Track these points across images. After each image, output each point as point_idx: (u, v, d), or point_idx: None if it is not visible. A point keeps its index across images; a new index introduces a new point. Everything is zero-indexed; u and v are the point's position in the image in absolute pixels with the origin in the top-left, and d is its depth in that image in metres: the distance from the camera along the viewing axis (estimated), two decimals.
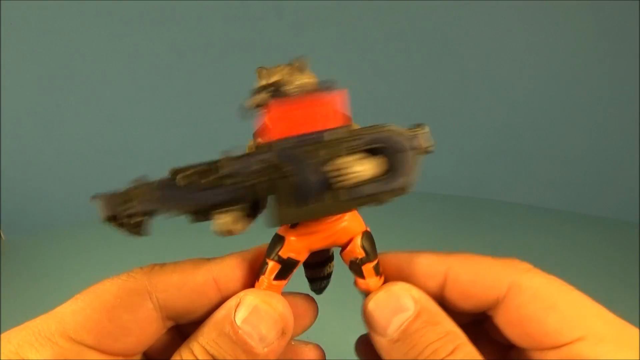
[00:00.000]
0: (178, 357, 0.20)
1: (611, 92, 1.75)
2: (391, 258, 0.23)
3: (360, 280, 0.23)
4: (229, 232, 0.21)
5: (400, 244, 1.70)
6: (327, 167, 0.21)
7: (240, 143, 0.23)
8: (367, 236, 0.23)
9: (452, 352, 0.19)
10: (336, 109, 0.22)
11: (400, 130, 0.22)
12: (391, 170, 0.21)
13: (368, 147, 0.21)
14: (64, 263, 1.68)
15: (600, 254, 1.56)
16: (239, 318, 0.20)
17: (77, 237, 1.91)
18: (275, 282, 0.22)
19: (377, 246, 0.23)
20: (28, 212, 1.99)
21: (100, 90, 1.92)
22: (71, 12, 1.75)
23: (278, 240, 0.22)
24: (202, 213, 0.22)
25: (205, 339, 0.20)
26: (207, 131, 2.11)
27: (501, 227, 1.82)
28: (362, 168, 0.21)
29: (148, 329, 0.20)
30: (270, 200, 0.21)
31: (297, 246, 0.22)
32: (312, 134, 0.21)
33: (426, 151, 0.22)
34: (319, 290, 0.26)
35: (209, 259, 0.22)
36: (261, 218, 0.22)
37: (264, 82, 0.21)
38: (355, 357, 0.25)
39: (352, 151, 0.21)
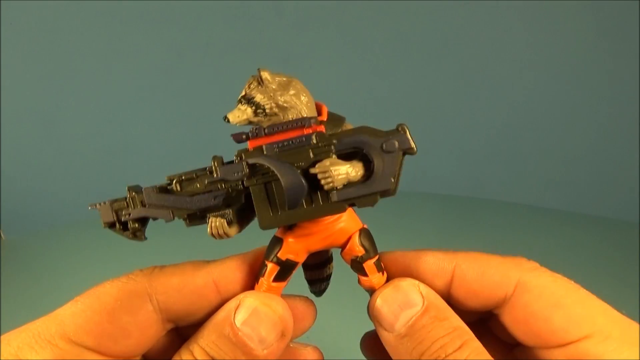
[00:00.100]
0: (178, 359, 0.20)
1: (611, 92, 1.75)
2: (398, 256, 0.23)
3: (363, 278, 0.23)
4: (224, 235, 0.22)
5: (401, 244, 1.69)
6: (316, 170, 0.21)
7: (240, 143, 0.23)
8: (365, 233, 0.23)
9: (459, 348, 0.19)
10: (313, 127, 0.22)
11: (375, 133, 0.22)
12: (372, 172, 0.22)
13: (349, 150, 0.22)
14: (64, 263, 1.67)
15: (600, 254, 1.56)
16: (239, 320, 0.20)
17: (77, 237, 1.91)
18: (274, 284, 0.22)
19: (378, 245, 0.23)
20: (28, 212, 1.99)
21: (100, 90, 1.92)
22: (71, 12, 1.75)
23: (276, 242, 0.22)
24: (197, 217, 0.22)
25: (205, 341, 0.20)
26: (207, 131, 2.11)
27: (501, 227, 1.82)
28: (347, 170, 0.21)
29: (148, 331, 0.20)
30: (262, 203, 0.21)
31: (295, 248, 0.22)
32: (296, 138, 0.21)
33: (406, 152, 0.22)
34: (318, 292, 0.26)
35: (208, 262, 0.22)
36: (255, 222, 0.23)
37: (238, 97, 0.23)
38: (356, 357, 0.25)
39: (335, 154, 0.21)
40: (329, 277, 0.26)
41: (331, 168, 0.21)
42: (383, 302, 0.21)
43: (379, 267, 0.23)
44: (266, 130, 0.22)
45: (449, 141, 2.06)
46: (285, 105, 0.22)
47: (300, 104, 0.22)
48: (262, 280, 0.22)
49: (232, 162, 0.22)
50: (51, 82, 1.86)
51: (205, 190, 0.22)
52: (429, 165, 2.01)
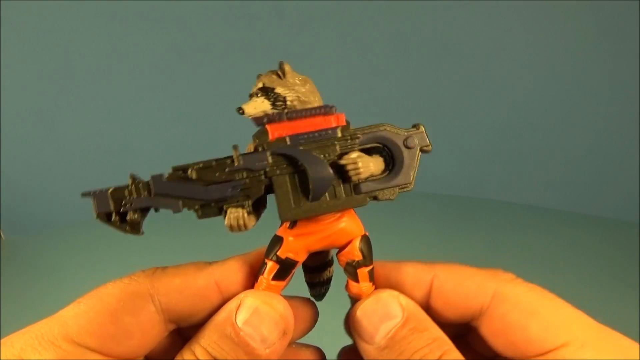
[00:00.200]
0: (180, 359, 0.20)
1: (611, 92, 1.75)
2: (378, 267, 0.23)
3: (353, 284, 0.23)
4: (242, 227, 0.21)
5: (401, 243, 1.71)
6: (344, 161, 0.21)
7: (240, 143, 0.23)
8: (366, 240, 0.23)
9: (438, 359, 0.19)
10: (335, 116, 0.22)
11: (396, 130, 0.23)
12: (393, 167, 0.22)
13: (367, 146, 0.22)
14: (64, 263, 1.68)
15: (600, 254, 1.56)
16: (240, 320, 0.20)
17: (77, 237, 1.91)
18: (273, 282, 0.22)
19: (378, 245, 0.23)
20: (28, 212, 1.99)
21: (100, 90, 1.92)
22: (71, 12, 1.75)
23: (277, 240, 0.22)
24: (211, 208, 0.21)
25: (206, 341, 0.20)
26: (207, 131, 2.11)
27: (501, 227, 1.82)
28: (372, 164, 0.22)
29: (150, 332, 0.20)
30: (284, 194, 0.22)
31: (295, 246, 0.22)
32: (322, 131, 0.22)
33: (422, 150, 0.23)
34: (319, 295, 0.26)
35: (210, 263, 0.22)
36: (267, 215, 0.22)
37: (253, 89, 0.22)
38: None
39: (358, 148, 0.22)
40: (329, 280, 0.26)
41: (358, 160, 0.21)
42: (363, 314, 0.21)
43: (371, 277, 0.23)
44: (287, 115, 0.22)
45: (449, 141, 2.06)
46: (305, 99, 0.22)
47: (315, 102, 0.23)
48: (261, 278, 0.22)
49: (254, 152, 0.22)
50: (51, 82, 1.86)
51: (223, 179, 0.21)
52: (429, 165, 2.00)
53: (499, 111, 1.96)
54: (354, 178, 0.21)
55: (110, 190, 0.22)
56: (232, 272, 0.22)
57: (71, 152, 1.98)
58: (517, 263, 1.49)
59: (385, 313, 0.21)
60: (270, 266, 0.22)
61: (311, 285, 0.26)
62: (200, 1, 1.81)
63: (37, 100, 1.87)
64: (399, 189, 0.22)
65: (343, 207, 0.22)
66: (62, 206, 2.05)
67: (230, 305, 0.21)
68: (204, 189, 0.21)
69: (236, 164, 0.21)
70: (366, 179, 0.22)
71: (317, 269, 0.26)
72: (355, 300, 0.23)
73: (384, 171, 0.22)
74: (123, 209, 0.21)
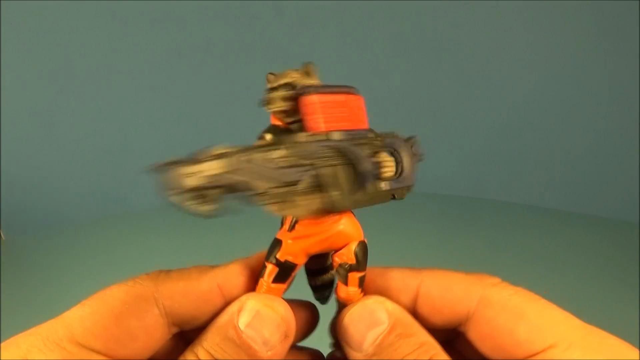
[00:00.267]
0: None
1: (611, 92, 1.75)
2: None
3: (341, 287, 0.23)
4: (314, 214, 0.21)
5: (401, 243, 1.71)
6: (379, 159, 0.23)
7: (239, 142, 0.23)
8: (362, 246, 0.23)
9: None
10: (365, 111, 0.24)
11: (404, 138, 0.24)
12: (402, 170, 0.24)
13: (385, 150, 0.24)
14: (64, 263, 1.68)
15: (600, 254, 1.56)
16: (242, 322, 0.20)
17: (77, 237, 1.91)
18: (274, 285, 0.22)
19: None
20: (28, 212, 1.99)
21: (99, 90, 1.92)
22: (71, 12, 1.75)
23: (276, 243, 0.22)
24: (283, 193, 0.21)
25: (209, 344, 0.20)
26: (207, 131, 2.11)
27: (501, 227, 1.83)
28: (392, 165, 0.23)
29: (154, 334, 0.20)
30: (333, 185, 0.22)
31: (293, 249, 0.22)
32: (359, 131, 0.23)
33: (419, 159, 0.25)
34: (323, 299, 0.26)
35: (213, 266, 0.22)
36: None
37: (275, 84, 0.22)
38: None
39: (383, 150, 0.24)
40: (331, 283, 0.26)
41: (388, 160, 0.23)
42: (350, 321, 0.21)
43: (361, 284, 0.23)
44: (320, 89, 0.22)
45: (449, 141, 2.06)
46: None
47: None
48: (262, 281, 0.22)
49: (310, 141, 0.22)
50: (51, 82, 1.86)
51: (292, 164, 0.21)
52: (429, 165, 2.00)
53: (499, 111, 1.96)
54: (384, 175, 0.23)
55: (193, 161, 0.19)
56: (235, 275, 0.22)
57: (71, 152, 1.98)
58: (517, 263, 1.49)
59: (371, 320, 0.21)
60: (270, 269, 0.22)
61: (314, 288, 0.26)
62: (200, 1, 1.81)
63: (37, 100, 1.87)
64: (407, 189, 0.24)
65: (374, 202, 0.23)
66: (63, 206, 2.05)
67: (232, 308, 0.21)
68: (277, 172, 0.21)
69: (303, 150, 0.21)
70: (388, 178, 0.23)
71: (319, 272, 0.26)
72: (341, 304, 0.23)
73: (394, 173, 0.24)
74: (209, 184, 0.19)
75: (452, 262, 1.50)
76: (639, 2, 1.57)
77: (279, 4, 1.87)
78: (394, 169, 0.24)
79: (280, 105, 0.22)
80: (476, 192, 2.08)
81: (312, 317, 0.24)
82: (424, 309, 0.22)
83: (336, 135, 0.22)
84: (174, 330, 0.21)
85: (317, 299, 0.26)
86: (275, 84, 0.22)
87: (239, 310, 0.20)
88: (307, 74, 0.23)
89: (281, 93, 0.22)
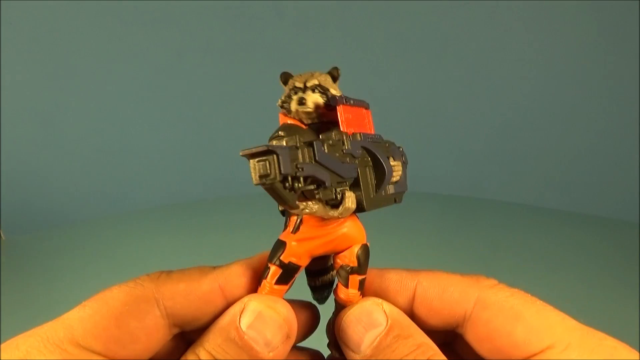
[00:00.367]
0: None
1: (611, 92, 1.75)
2: None
3: (342, 288, 0.23)
4: (351, 210, 0.22)
5: (401, 243, 1.71)
6: (393, 163, 0.24)
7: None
8: (365, 249, 0.23)
9: None
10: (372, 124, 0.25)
11: (397, 146, 0.26)
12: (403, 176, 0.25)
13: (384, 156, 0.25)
14: (64, 263, 1.68)
15: (600, 254, 1.56)
16: (244, 324, 0.20)
17: (77, 237, 1.91)
18: (276, 287, 0.22)
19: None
20: (28, 212, 1.99)
21: (100, 90, 1.92)
22: (71, 13, 1.75)
23: (280, 245, 0.22)
24: (328, 189, 0.21)
25: (211, 345, 0.20)
26: (207, 130, 2.11)
27: (501, 227, 1.83)
28: (400, 170, 0.25)
29: (155, 335, 0.20)
30: (367, 185, 0.23)
31: (298, 251, 0.22)
32: (377, 135, 0.24)
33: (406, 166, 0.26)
34: (321, 299, 0.26)
35: (214, 267, 0.22)
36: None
37: (306, 83, 0.23)
38: None
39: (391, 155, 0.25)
40: (331, 284, 0.26)
41: (395, 164, 0.24)
42: (348, 323, 0.22)
43: (361, 286, 0.23)
44: (352, 102, 0.23)
45: (449, 141, 2.06)
46: None
47: None
48: (264, 282, 0.22)
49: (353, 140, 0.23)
50: (51, 82, 1.86)
51: (342, 159, 0.21)
52: (429, 166, 2.01)
53: (499, 111, 1.96)
54: (394, 179, 0.24)
55: (290, 148, 0.18)
56: (236, 276, 0.22)
57: (71, 152, 1.98)
58: (517, 263, 1.49)
59: (369, 321, 0.21)
60: (274, 270, 0.22)
61: (314, 288, 0.26)
62: (200, 1, 1.81)
63: (37, 100, 1.87)
64: (403, 194, 0.25)
65: (383, 204, 0.23)
66: (63, 206, 2.05)
67: (234, 309, 0.21)
68: (343, 167, 0.21)
69: (347, 148, 0.21)
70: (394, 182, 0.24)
71: (319, 272, 0.26)
72: (340, 305, 0.23)
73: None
74: (299, 173, 0.18)
75: (452, 262, 1.50)
76: (639, 2, 1.57)
77: (279, 4, 1.87)
78: (400, 173, 0.24)
79: (311, 107, 0.22)
80: (476, 192, 2.08)
81: (313, 318, 0.24)
82: (421, 310, 0.22)
83: (359, 137, 0.23)
84: (175, 331, 0.21)
85: (315, 299, 0.26)
86: (303, 84, 0.23)
87: (241, 311, 0.20)
88: (334, 78, 0.23)
89: (316, 96, 0.22)
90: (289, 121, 0.23)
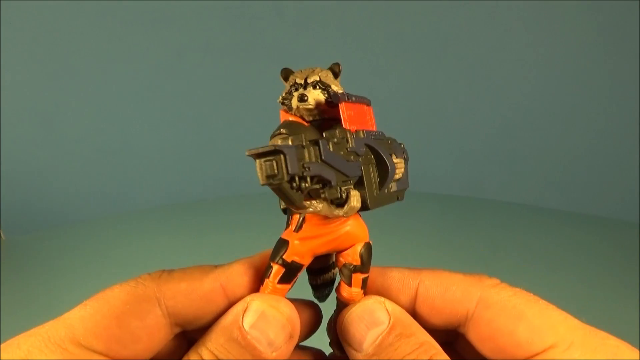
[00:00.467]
0: None
1: (611, 92, 1.75)
2: None
3: (344, 287, 0.23)
4: (356, 209, 0.22)
5: (401, 243, 1.71)
6: (396, 160, 0.23)
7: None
8: (368, 248, 0.23)
9: None
10: (374, 121, 0.24)
11: (399, 142, 0.25)
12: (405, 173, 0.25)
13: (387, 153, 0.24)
14: (64, 263, 1.68)
15: (600, 254, 1.56)
16: (247, 323, 0.20)
17: (77, 237, 1.91)
18: (279, 286, 0.22)
19: (378, 245, 0.23)
20: (28, 212, 1.99)
21: (99, 90, 1.92)
22: (71, 13, 1.75)
23: (282, 244, 0.22)
24: (334, 188, 0.21)
25: (213, 344, 0.20)
26: (207, 130, 2.11)
27: (501, 227, 1.83)
28: (402, 167, 0.24)
29: (156, 335, 0.20)
30: (371, 183, 0.22)
31: (300, 250, 0.22)
32: (379, 132, 0.24)
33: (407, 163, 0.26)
34: (322, 297, 0.26)
35: (215, 266, 0.22)
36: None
37: (307, 79, 0.22)
38: None
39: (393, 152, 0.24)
40: (332, 282, 0.26)
41: (397, 161, 0.24)
42: (350, 321, 0.22)
43: (364, 285, 0.23)
44: (354, 98, 0.23)
45: (449, 141, 2.06)
46: None
47: None
48: (267, 281, 0.22)
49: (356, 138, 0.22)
50: (51, 82, 1.86)
51: (346, 158, 0.21)
52: (429, 165, 2.01)
53: (499, 111, 1.96)
54: (396, 177, 0.23)
55: (296, 147, 0.18)
56: (238, 275, 0.22)
57: (71, 152, 1.98)
58: (517, 263, 1.49)
59: (371, 320, 0.21)
60: (276, 270, 0.22)
61: (315, 287, 0.26)
62: (200, 1, 1.81)
63: (37, 100, 1.87)
64: (404, 192, 0.25)
65: (386, 202, 0.23)
66: (63, 206, 2.05)
67: (237, 308, 0.21)
68: (348, 165, 0.21)
69: (350, 145, 0.21)
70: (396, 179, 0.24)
71: (321, 271, 0.26)
72: (342, 304, 0.23)
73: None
74: (306, 173, 0.18)
75: (452, 262, 1.50)
76: (639, 2, 1.57)
77: (279, 4, 1.87)
78: (403, 170, 0.24)
79: (313, 104, 0.22)
80: (476, 192, 2.08)
81: (315, 317, 0.24)
82: (423, 309, 0.22)
83: (362, 134, 0.22)
84: (177, 330, 0.21)
85: (316, 297, 0.26)
86: (304, 80, 0.22)
87: (244, 311, 0.20)
88: (335, 74, 0.23)
89: (317, 92, 0.22)
90: (290, 118, 0.23)
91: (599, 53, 1.72)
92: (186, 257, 1.51)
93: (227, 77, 1.96)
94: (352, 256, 0.23)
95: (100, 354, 0.19)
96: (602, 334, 0.20)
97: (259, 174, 0.18)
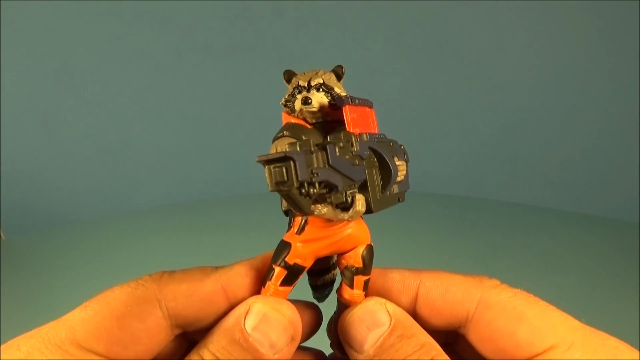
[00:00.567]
0: None
1: (611, 92, 1.75)
2: None
3: (346, 289, 0.23)
4: (361, 213, 0.22)
5: (401, 243, 1.71)
6: (398, 163, 0.23)
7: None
8: (370, 250, 0.23)
9: None
10: (376, 123, 0.24)
11: (399, 144, 0.25)
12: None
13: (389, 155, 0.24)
14: (64, 263, 1.68)
15: (600, 254, 1.56)
16: (249, 325, 0.20)
17: (77, 237, 1.91)
18: (281, 288, 0.22)
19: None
20: (28, 212, 1.99)
21: (99, 90, 1.92)
22: (71, 13, 1.75)
23: (284, 246, 0.22)
24: (339, 193, 0.21)
25: (215, 346, 0.20)
26: (207, 131, 2.11)
27: (501, 227, 1.83)
28: (404, 169, 0.24)
29: (157, 336, 0.20)
30: (374, 186, 0.22)
31: (303, 252, 0.22)
32: (382, 135, 0.24)
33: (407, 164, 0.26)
34: (321, 297, 0.26)
35: (217, 267, 0.22)
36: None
37: (311, 82, 0.22)
38: None
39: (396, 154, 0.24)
40: (332, 282, 0.26)
41: (399, 163, 0.24)
42: (351, 322, 0.22)
43: (366, 287, 0.23)
44: (357, 101, 0.22)
45: (449, 141, 2.06)
46: None
47: None
48: (269, 284, 0.22)
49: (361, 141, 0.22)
50: (51, 82, 1.86)
51: (351, 162, 0.21)
52: (429, 166, 2.01)
53: (499, 111, 1.96)
54: (398, 179, 0.23)
55: (305, 152, 0.18)
56: (239, 277, 0.22)
57: (71, 152, 1.98)
58: (517, 263, 1.50)
59: (372, 321, 0.21)
60: (278, 272, 0.22)
61: (315, 287, 0.26)
62: (200, 1, 1.81)
63: (37, 100, 1.87)
64: (405, 193, 0.25)
65: (388, 205, 0.23)
66: (63, 206, 2.05)
67: (239, 310, 0.21)
68: (354, 169, 0.21)
69: (355, 149, 0.21)
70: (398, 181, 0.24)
71: (321, 272, 0.26)
72: (343, 305, 0.23)
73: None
74: (314, 179, 0.18)
75: (452, 262, 1.50)
76: (639, 2, 1.57)
77: (279, 4, 1.87)
78: (405, 172, 0.24)
79: (316, 107, 0.22)
80: (476, 192, 2.08)
81: (316, 318, 0.24)
82: (423, 310, 0.22)
83: (365, 137, 0.22)
84: (177, 331, 0.21)
85: (316, 297, 0.26)
86: (307, 83, 0.22)
87: (246, 313, 0.20)
88: (338, 76, 0.23)
89: (321, 95, 0.22)
90: (293, 120, 0.23)
91: (599, 53, 1.72)
92: (186, 257, 1.51)
93: (227, 77, 1.96)
94: (354, 258, 0.23)
95: (101, 355, 0.19)
96: (602, 335, 0.20)
97: (268, 180, 0.17)
